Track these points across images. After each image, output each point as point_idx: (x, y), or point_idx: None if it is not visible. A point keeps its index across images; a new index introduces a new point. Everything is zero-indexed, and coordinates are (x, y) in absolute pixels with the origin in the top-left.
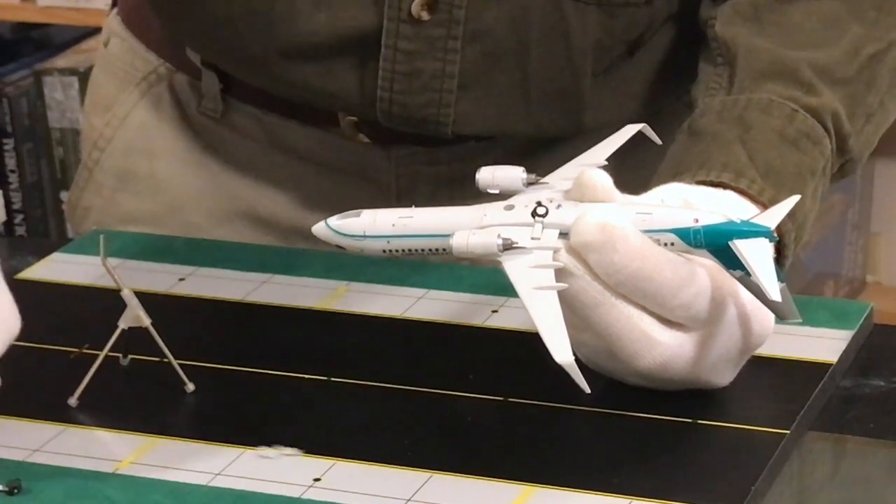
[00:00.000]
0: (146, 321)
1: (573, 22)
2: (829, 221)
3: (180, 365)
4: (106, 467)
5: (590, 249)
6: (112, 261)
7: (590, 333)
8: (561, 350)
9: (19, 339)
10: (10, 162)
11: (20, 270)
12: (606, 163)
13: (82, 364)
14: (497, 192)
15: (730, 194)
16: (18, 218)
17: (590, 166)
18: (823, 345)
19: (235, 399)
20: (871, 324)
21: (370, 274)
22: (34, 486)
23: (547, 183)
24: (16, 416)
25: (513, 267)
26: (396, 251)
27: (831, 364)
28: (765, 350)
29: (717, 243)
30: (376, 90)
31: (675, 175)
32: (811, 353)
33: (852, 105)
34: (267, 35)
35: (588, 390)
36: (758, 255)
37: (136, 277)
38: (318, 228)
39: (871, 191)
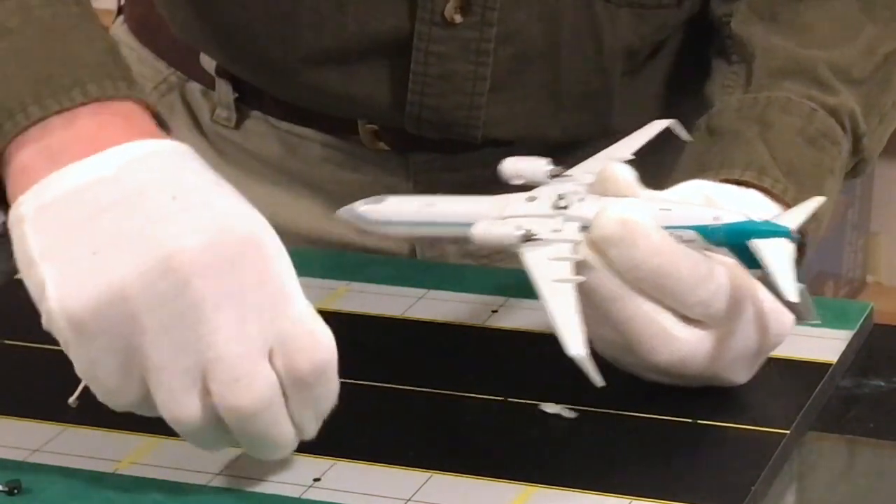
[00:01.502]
0: None
1: (604, 23)
2: (830, 221)
3: None
4: (106, 467)
5: (610, 244)
6: None
7: (608, 328)
8: (574, 343)
9: (19, 339)
10: None
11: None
12: (632, 157)
13: None
14: (521, 182)
15: (753, 193)
16: None
17: (614, 160)
18: (823, 345)
19: None
20: (871, 324)
21: (370, 274)
22: (34, 486)
23: (571, 175)
24: (16, 416)
25: (531, 258)
26: (419, 237)
27: (831, 364)
28: None
29: (737, 242)
30: (405, 94)
31: (697, 173)
32: (811, 353)
33: (867, 105)
34: (288, 40)
35: (601, 384)
36: (776, 255)
37: None
38: (343, 212)
39: (871, 191)
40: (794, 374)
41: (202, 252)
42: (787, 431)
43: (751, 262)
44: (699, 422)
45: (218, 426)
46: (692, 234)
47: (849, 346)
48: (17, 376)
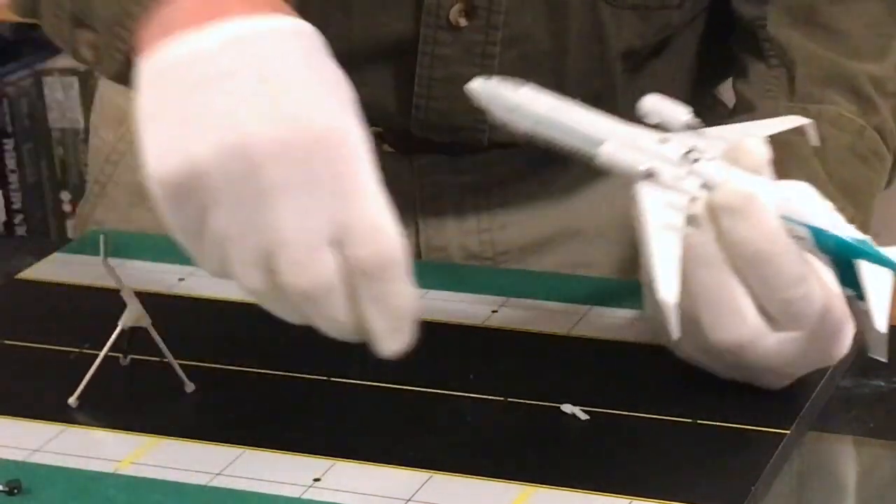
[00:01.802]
0: (146, 321)
1: (608, 25)
2: None
3: (180, 365)
4: (106, 467)
5: (727, 213)
6: (112, 261)
7: (683, 292)
8: (667, 289)
9: (19, 339)
10: (10, 162)
11: (20, 270)
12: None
13: (82, 364)
14: (655, 122)
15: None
16: (18, 218)
17: (752, 135)
18: None
19: (235, 399)
20: None
21: None
22: (34, 486)
23: (706, 132)
24: (16, 416)
25: (647, 197)
26: (540, 136)
27: (831, 364)
28: None
29: (844, 256)
30: (410, 98)
31: None
32: None
33: None
34: None
35: (678, 335)
36: (879, 283)
37: (136, 277)
38: (474, 85)
39: None
40: None
41: (274, 140)
42: (787, 431)
43: (847, 280)
44: (699, 422)
45: (285, 301)
46: (805, 231)
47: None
48: (17, 376)
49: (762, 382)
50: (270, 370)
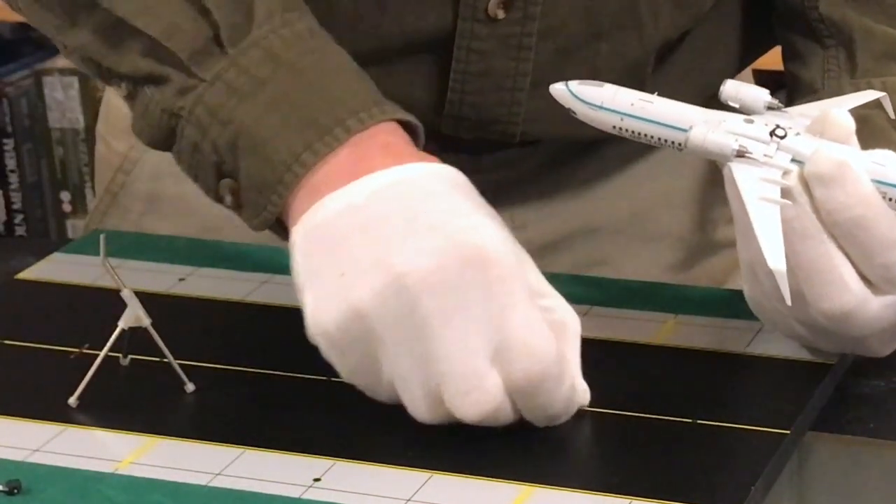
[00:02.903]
0: (146, 321)
1: (645, 14)
2: None
3: (180, 365)
4: (106, 467)
5: (821, 182)
6: (112, 261)
7: (786, 262)
8: (777, 257)
9: (19, 339)
10: (10, 162)
11: (20, 270)
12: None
13: (82, 364)
14: (737, 106)
15: None
16: (18, 218)
17: (841, 110)
18: None
19: (235, 399)
20: None
21: None
22: (34, 486)
23: (787, 112)
24: (16, 416)
25: (741, 174)
26: (627, 131)
27: (831, 364)
28: (765, 350)
29: None
30: (443, 93)
31: None
32: (811, 353)
33: None
34: None
35: (790, 303)
36: None
37: (136, 277)
38: (557, 87)
39: None
40: (794, 374)
41: (429, 272)
42: (787, 431)
43: None
44: (699, 422)
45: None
46: None
47: None
48: (17, 376)
49: (868, 350)
50: (270, 370)
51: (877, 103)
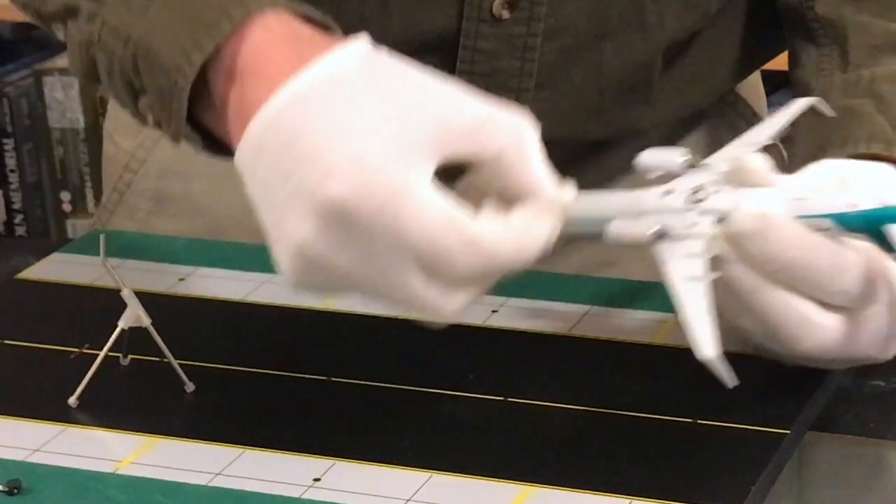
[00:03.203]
0: (146, 321)
1: (650, 14)
2: None
3: (180, 365)
4: (106, 467)
5: (745, 240)
6: (112, 261)
7: (750, 317)
8: (705, 344)
9: (19, 339)
10: (10, 162)
11: (20, 270)
12: (770, 142)
13: (82, 364)
14: (657, 175)
15: (886, 167)
16: (18, 218)
17: (751, 147)
18: None
19: (235, 399)
20: None
21: None
22: (34, 486)
23: (707, 164)
24: (16, 416)
25: (665, 256)
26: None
27: None
28: None
29: (873, 228)
30: None
31: (818, 152)
32: None
33: None
34: None
35: (733, 384)
36: None
37: (136, 277)
38: None
39: None
40: (794, 374)
41: (317, 238)
42: (787, 431)
43: (889, 247)
44: (699, 422)
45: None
46: (827, 222)
47: None
48: (17, 376)
49: (871, 359)
50: (270, 370)
51: (864, 92)
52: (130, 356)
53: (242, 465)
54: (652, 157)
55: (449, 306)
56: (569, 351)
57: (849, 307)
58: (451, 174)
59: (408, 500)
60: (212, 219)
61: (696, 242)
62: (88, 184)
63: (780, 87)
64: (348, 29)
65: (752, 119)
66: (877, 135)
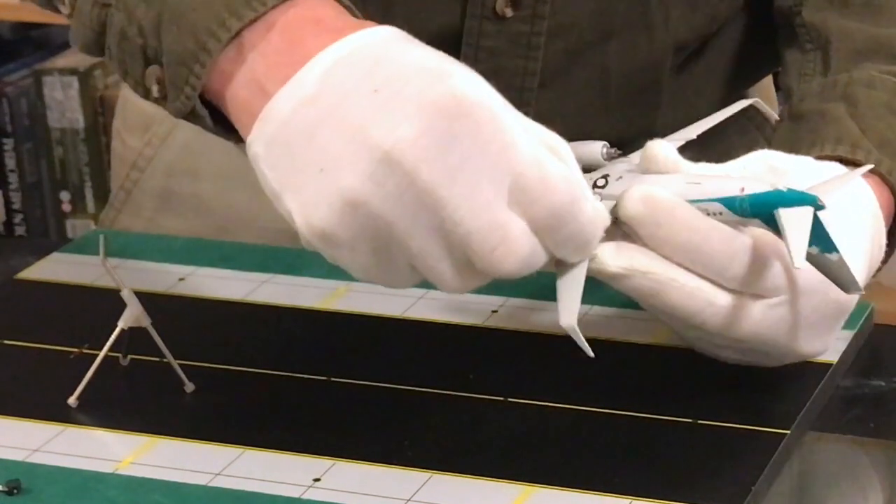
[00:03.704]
0: (146, 321)
1: (656, 15)
2: None
3: (180, 365)
4: (106, 467)
5: (636, 223)
6: (112, 261)
7: (673, 322)
8: (566, 314)
9: (19, 339)
10: (10, 162)
11: (20, 270)
12: (694, 137)
13: (82, 364)
14: (580, 166)
15: (831, 164)
16: (18, 218)
17: (676, 144)
18: None
19: (235, 399)
20: (872, 324)
21: None
22: (34, 486)
23: (626, 156)
24: (16, 416)
25: None
26: None
27: (831, 364)
28: None
29: (765, 212)
30: None
31: (791, 154)
32: None
33: None
34: None
35: (591, 354)
36: (794, 222)
37: (136, 277)
38: None
39: None
40: (794, 374)
41: (417, 138)
42: (787, 431)
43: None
44: (699, 422)
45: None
46: (718, 206)
47: (849, 346)
48: (17, 376)
49: (796, 353)
50: (270, 370)
51: (838, 96)
52: (130, 356)
53: (242, 465)
54: (575, 149)
55: (521, 249)
56: (569, 351)
57: (757, 292)
58: None
59: (408, 500)
60: (218, 218)
61: None
62: (88, 184)
63: None
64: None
65: (763, 122)
66: (844, 138)
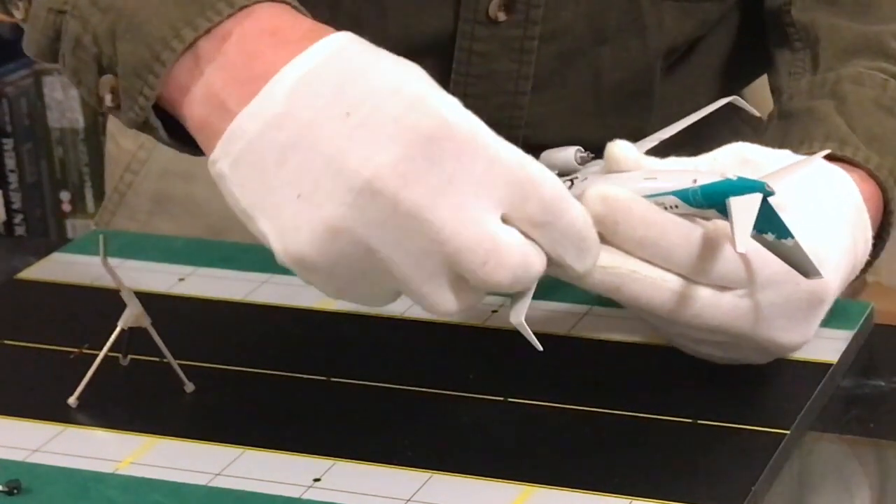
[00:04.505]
0: (146, 321)
1: (649, 19)
2: None
3: (180, 365)
4: (106, 467)
5: (595, 222)
6: (112, 261)
7: (650, 318)
8: (517, 313)
9: (19, 339)
10: (10, 162)
11: (20, 270)
12: (668, 137)
13: (82, 364)
14: (555, 172)
15: (807, 157)
16: (18, 218)
17: (651, 144)
18: (823, 345)
19: (235, 399)
20: (872, 324)
21: None
22: (34, 486)
23: (600, 159)
24: (16, 416)
25: None
26: None
27: (831, 364)
28: None
29: (718, 202)
30: None
31: None
32: (811, 353)
33: None
34: None
35: (540, 348)
36: (741, 209)
37: (136, 277)
38: None
39: None
40: (794, 374)
41: (396, 165)
42: (787, 431)
43: (760, 226)
44: (699, 422)
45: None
46: (673, 199)
47: (849, 346)
48: (17, 376)
49: (774, 347)
50: (270, 370)
51: (827, 93)
52: (130, 356)
53: (242, 465)
54: (548, 157)
55: (511, 258)
56: (569, 351)
57: (723, 284)
58: None
59: (408, 500)
60: (212, 219)
61: None
62: (88, 184)
63: None
64: (345, 31)
65: (757, 123)
66: (832, 134)
